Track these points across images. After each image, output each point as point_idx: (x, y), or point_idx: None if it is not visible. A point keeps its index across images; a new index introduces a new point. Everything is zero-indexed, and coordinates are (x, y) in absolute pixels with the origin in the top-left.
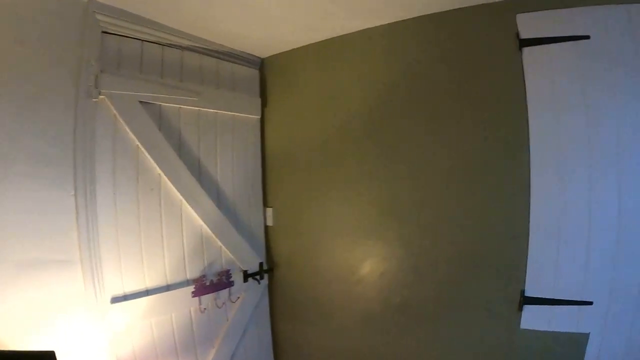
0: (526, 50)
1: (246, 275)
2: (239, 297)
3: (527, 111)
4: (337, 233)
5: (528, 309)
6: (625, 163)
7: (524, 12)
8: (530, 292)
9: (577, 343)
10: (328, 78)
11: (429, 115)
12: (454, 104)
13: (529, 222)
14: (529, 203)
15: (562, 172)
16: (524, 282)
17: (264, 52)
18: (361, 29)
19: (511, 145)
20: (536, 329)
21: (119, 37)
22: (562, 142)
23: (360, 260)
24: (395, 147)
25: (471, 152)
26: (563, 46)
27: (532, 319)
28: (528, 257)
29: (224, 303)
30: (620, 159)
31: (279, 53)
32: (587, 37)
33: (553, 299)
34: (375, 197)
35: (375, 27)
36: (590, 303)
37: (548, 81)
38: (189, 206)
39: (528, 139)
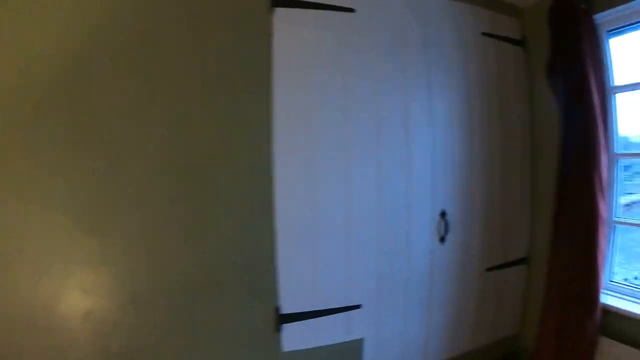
0: (279, 11)
1: None
2: None
3: (271, 87)
4: (10, 260)
5: (287, 328)
6: (384, 154)
7: None
8: (287, 309)
9: (352, 351)
10: None
11: (148, 87)
12: (182, 71)
13: (275, 224)
14: (273, 200)
15: (313, 162)
16: (278, 297)
17: None
18: None
19: (252, 128)
20: (302, 348)
21: None
22: (313, 126)
23: (52, 296)
24: (95, 128)
25: (203, 135)
26: (323, 15)
27: (295, 338)
28: (278, 266)
29: None
30: (381, 149)
31: None
32: (352, 10)
33: (315, 311)
34: (66, 203)
35: None
36: (359, 306)
37: (300, 52)
38: None
39: (272, 119)
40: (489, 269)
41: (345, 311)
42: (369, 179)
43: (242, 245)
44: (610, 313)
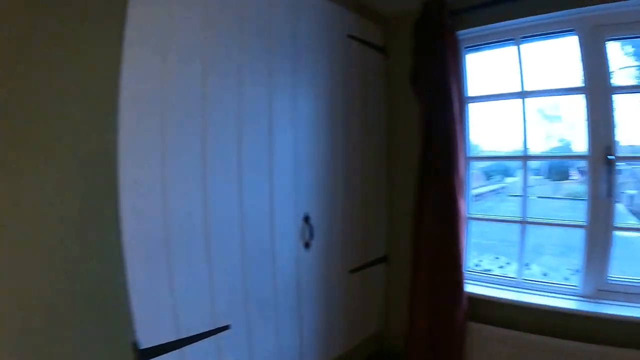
0: None
1: None
2: None
3: (120, 52)
4: None
5: None
6: (246, 155)
7: None
8: (147, 342)
9: None
10: None
11: None
12: None
13: (121, 236)
14: (118, 207)
15: (166, 153)
16: (134, 330)
17: None
18: None
19: (94, 101)
20: None
21: None
22: (168, 106)
23: None
24: None
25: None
26: None
27: None
28: (130, 292)
29: None
30: (242, 149)
31: None
32: None
33: (180, 340)
34: None
35: None
36: (227, 327)
37: (161, 15)
38: None
39: (116, 93)
40: (353, 271)
41: (213, 334)
42: (229, 183)
43: (81, 270)
44: (471, 299)
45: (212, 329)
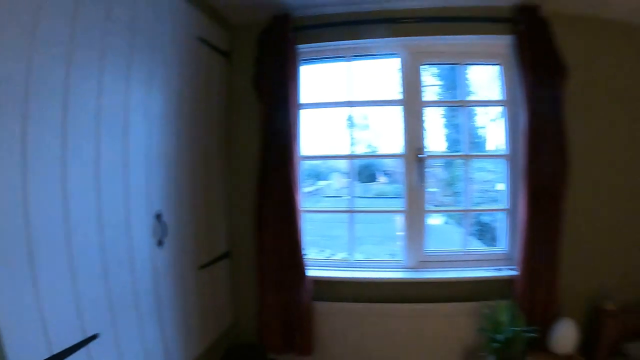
0: None
1: None
2: None
3: None
4: None
5: None
6: (104, 151)
7: None
8: None
9: None
10: None
11: None
12: None
13: None
14: None
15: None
16: (5, 354)
17: None
18: None
19: None
20: None
21: None
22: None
23: None
24: None
25: None
26: None
27: None
28: None
29: None
30: (99, 145)
31: None
32: None
33: (53, 356)
34: None
35: None
36: (96, 336)
37: None
38: None
39: None
40: (202, 267)
41: (83, 346)
42: (86, 183)
43: None
44: (314, 281)
45: (81, 340)
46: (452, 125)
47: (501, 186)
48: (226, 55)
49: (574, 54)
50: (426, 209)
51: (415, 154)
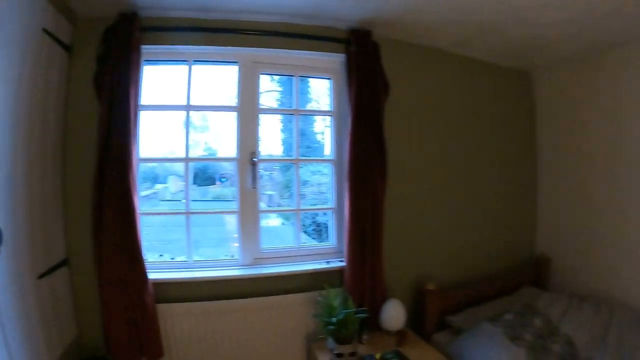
0: None
1: None
2: None
3: None
4: None
5: None
6: None
7: None
8: None
9: None
10: None
11: None
12: None
13: None
14: None
15: None
16: None
17: None
18: None
19: None
20: None
21: None
22: None
23: None
24: None
25: None
26: None
27: None
28: None
29: None
30: None
31: None
32: None
33: None
34: None
35: None
36: None
37: None
38: None
39: None
40: (41, 276)
41: None
42: None
43: None
44: (156, 284)
45: None
46: (289, 131)
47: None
48: (68, 50)
49: (397, 74)
50: (260, 209)
51: (249, 157)
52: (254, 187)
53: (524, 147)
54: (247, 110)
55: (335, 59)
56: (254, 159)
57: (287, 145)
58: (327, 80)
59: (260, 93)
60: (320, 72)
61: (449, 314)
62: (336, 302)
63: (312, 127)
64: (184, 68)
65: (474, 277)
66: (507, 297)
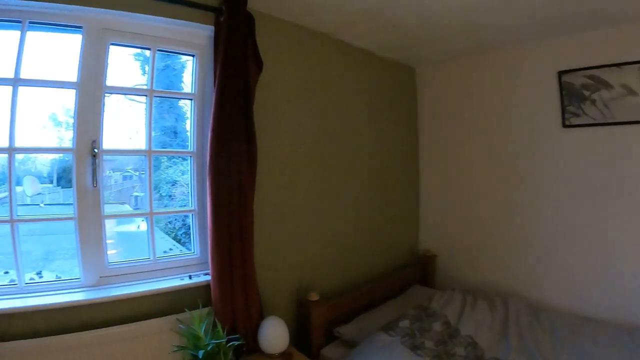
0: None
1: None
2: None
3: None
4: None
5: None
6: None
7: None
8: None
9: None
10: None
11: None
12: None
13: None
14: None
15: None
16: None
17: None
18: None
19: None
20: None
21: None
22: None
23: None
24: None
25: None
26: None
27: None
28: None
29: None
30: None
31: None
32: None
33: None
34: None
35: None
36: None
37: None
38: None
39: None
40: None
41: None
42: None
43: None
44: None
45: None
46: (161, 120)
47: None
48: None
49: (274, 54)
50: (104, 214)
51: (89, 148)
52: (95, 186)
53: (407, 145)
54: (90, 89)
55: (202, 32)
56: (95, 150)
57: (157, 137)
58: (190, 57)
59: (108, 68)
60: (184, 47)
61: (338, 324)
62: (202, 330)
63: (185, 115)
64: (16, 34)
65: (360, 281)
66: (397, 298)
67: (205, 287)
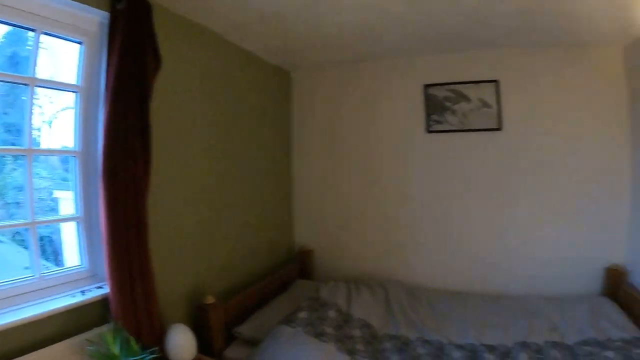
0: None
1: None
2: None
3: None
4: None
5: None
6: None
7: None
8: None
9: None
10: None
11: None
12: None
13: None
14: None
15: None
16: None
17: None
18: None
19: None
20: None
21: None
22: None
23: None
24: None
25: None
26: None
27: None
28: None
29: None
30: None
31: None
32: None
33: None
34: None
35: None
36: None
37: None
38: None
39: None
40: None
41: None
42: None
43: None
44: None
45: None
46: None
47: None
48: None
49: (170, 50)
50: None
51: None
52: None
53: (284, 147)
54: None
55: (93, 17)
56: None
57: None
58: (75, 45)
59: None
60: (72, 32)
61: (235, 325)
62: (117, 347)
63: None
64: None
65: (250, 281)
66: (284, 294)
67: (101, 301)
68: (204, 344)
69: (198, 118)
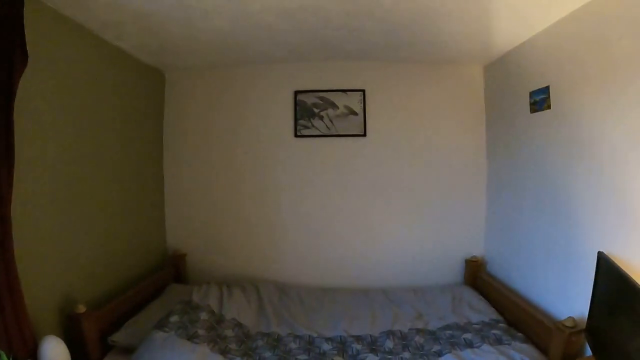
0: None
1: None
2: None
3: None
4: None
5: None
6: None
7: None
8: None
9: None
10: None
11: None
12: None
13: None
14: None
15: None
16: None
17: None
18: None
19: None
20: None
21: None
22: None
23: None
24: None
25: None
26: None
27: None
28: None
29: None
30: None
31: None
32: None
33: None
34: None
35: None
36: None
37: None
38: None
39: None
40: None
41: None
42: None
43: None
44: None
45: None
46: None
47: None
48: None
49: (36, 47)
50: None
51: None
52: None
53: (154, 150)
54: None
55: None
56: None
57: None
58: None
59: None
60: None
61: (111, 333)
62: None
63: None
64: None
65: (122, 287)
66: (158, 299)
67: None
68: (80, 355)
69: (65, 118)
